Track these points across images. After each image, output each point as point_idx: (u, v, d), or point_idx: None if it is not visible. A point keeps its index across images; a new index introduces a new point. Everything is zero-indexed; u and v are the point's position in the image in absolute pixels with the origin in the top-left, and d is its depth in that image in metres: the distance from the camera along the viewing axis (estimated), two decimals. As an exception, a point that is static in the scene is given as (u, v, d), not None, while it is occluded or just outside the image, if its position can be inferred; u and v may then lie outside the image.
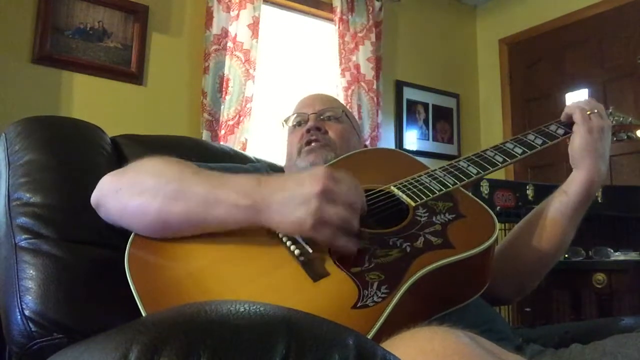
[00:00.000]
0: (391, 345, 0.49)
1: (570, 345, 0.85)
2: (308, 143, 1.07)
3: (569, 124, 0.99)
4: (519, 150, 0.94)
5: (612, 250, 2.36)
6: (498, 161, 0.92)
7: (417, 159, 1.04)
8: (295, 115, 1.15)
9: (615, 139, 1.06)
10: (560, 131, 0.98)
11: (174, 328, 0.35)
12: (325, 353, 0.34)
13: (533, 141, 0.96)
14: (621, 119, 1.07)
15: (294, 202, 0.66)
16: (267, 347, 0.34)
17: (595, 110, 0.97)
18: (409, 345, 0.48)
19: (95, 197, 0.80)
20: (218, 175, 0.74)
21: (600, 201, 2.45)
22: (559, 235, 0.96)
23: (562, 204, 0.95)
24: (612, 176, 3.21)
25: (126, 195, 0.75)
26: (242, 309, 0.37)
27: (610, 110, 1.06)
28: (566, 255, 2.27)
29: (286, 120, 1.17)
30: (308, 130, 1.07)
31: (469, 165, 0.91)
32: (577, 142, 0.94)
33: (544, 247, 0.95)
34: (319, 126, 1.08)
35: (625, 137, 1.07)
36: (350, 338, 0.37)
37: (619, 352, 0.70)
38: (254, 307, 0.38)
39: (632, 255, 2.34)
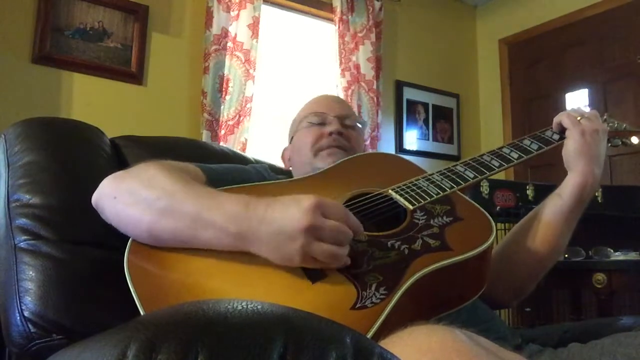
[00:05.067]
0: (389, 343, 0.49)
1: (569, 344, 0.85)
2: (329, 146, 1.06)
3: (563, 131, 0.99)
4: (515, 155, 0.96)
5: (612, 250, 2.36)
6: (494, 165, 0.94)
7: (414, 163, 1.05)
8: (313, 113, 1.12)
9: (610, 144, 1.07)
10: (556, 137, 1.00)
11: (172, 326, 0.35)
12: (323, 351, 0.35)
13: (529, 146, 0.99)
14: (616, 125, 1.09)
15: (280, 237, 0.65)
16: (265, 345, 0.34)
17: (585, 115, 0.97)
18: (406, 344, 0.49)
19: (95, 198, 0.80)
20: (210, 194, 0.73)
21: (600, 201, 2.45)
22: (554, 238, 0.96)
23: (556, 206, 0.96)
24: (612, 176, 3.21)
25: (121, 203, 0.76)
26: (239, 307, 0.37)
27: (605, 117, 1.07)
28: (566, 255, 2.28)
29: (303, 118, 1.14)
30: (330, 133, 1.07)
31: (466, 170, 0.93)
32: (570, 145, 0.95)
33: (540, 250, 0.96)
34: (342, 131, 1.08)
35: (620, 142, 1.09)
36: (348, 336, 0.37)
37: (617, 351, 0.70)
38: (252, 306, 0.38)
39: (632, 255, 2.34)
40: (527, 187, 2.54)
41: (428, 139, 3.72)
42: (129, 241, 0.74)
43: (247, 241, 0.67)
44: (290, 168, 1.17)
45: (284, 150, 1.21)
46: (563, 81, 3.57)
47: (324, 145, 1.07)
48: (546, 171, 3.25)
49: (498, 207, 2.45)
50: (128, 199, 0.75)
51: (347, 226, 0.68)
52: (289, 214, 0.66)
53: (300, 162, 1.10)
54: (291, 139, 1.17)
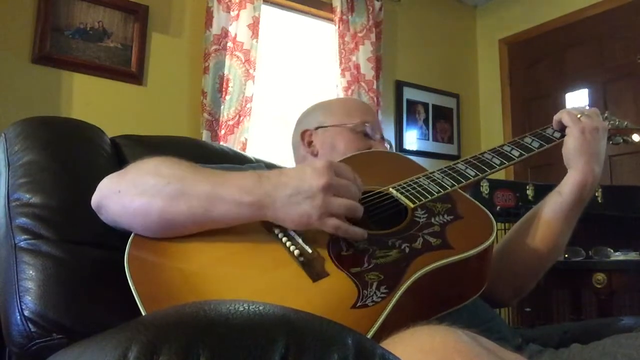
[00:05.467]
0: (391, 344, 0.49)
1: (569, 345, 0.85)
2: None
3: (563, 129, 0.99)
4: (516, 153, 0.96)
5: (612, 250, 2.36)
6: (495, 164, 0.94)
7: (415, 161, 1.04)
8: (369, 124, 1.11)
9: (611, 142, 1.07)
10: (557, 134, 1.00)
11: (173, 327, 0.35)
12: (325, 352, 0.35)
13: (530, 144, 0.98)
14: (617, 122, 1.08)
15: (299, 197, 0.68)
16: (267, 346, 0.34)
17: (585, 113, 0.97)
18: (408, 344, 0.48)
19: (96, 199, 0.79)
20: (219, 172, 0.75)
21: (600, 201, 2.45)
22: (554, 236, 0.96)
23: (556, 204, 0.95)
24: (612, 176, 3.21)
25: (127, 196, 0.74)
26: (241, 308, 0.37)
27: (606, 115, 1.07)
28: (566, 255, 2.27)
29: (359, 122, 1.11)
30: None
31: (467, 168, 0.93)
32: (570, 142, 0.95)
33: (539, 248, 0.95)
34: None
35: (621, 140, 1.08)
36: (350, 337, 0.37)
37: (618, 352, 0.70)
38: (253, 307, 0.38)
39: (632, 255, 2.34)
40: (527, 187, 2.54)
41: (428, 139, 3.72)
42: (131, 237, 0.74)
43: (263, 208, 0.69)
44: (311, 152, 1.14)
45: (307, 130, 1.15)
46: (563, 81, 3.57)
47: None
48: (546, 171, 3.25)
49: (498, 207, 2.45)
50: (134, 190, 0.74)
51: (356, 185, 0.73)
52: (305, 176, 0.69)
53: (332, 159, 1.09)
54: (318, 127, 1.13)
